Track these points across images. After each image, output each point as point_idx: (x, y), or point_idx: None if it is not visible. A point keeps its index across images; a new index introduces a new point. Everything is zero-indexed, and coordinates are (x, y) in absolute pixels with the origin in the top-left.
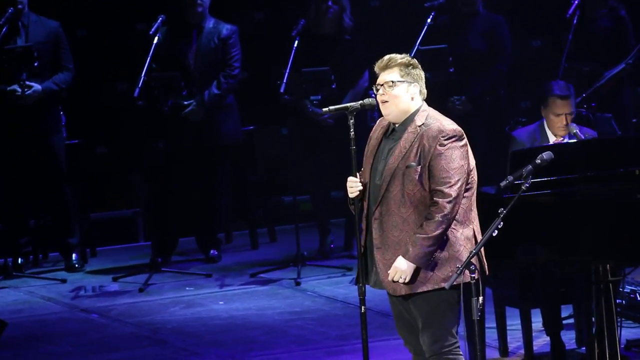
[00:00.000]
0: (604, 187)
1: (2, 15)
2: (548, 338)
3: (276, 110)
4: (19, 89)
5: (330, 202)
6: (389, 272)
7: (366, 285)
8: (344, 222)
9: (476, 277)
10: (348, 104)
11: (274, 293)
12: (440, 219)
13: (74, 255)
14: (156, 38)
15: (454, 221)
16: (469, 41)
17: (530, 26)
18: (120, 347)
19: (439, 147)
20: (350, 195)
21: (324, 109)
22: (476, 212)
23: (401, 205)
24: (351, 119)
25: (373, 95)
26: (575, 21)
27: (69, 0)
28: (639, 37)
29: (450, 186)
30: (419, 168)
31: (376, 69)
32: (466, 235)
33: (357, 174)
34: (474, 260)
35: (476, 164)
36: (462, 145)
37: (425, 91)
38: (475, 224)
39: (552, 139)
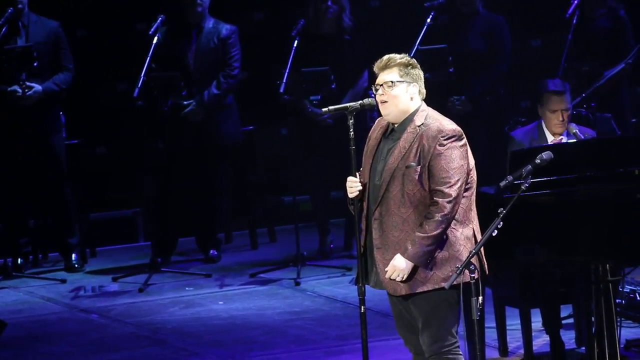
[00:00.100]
0: (603, 187)
1: (1, 15)
2: (548, 338)
3: (276, 110)
4: (20, 90)
5: (330, 202)
6: (391, 271)
7: (366, 285)
8: (344, 222)
9: (476, 277)
10: (347, 104)
11: (273, 293)
12: (440, 219)
13: (73, 256)
14: (156, 38)
15: (454, 221)
16: (469, 41)
17: (530, 26)
18: (120, 347)
19: (438, 147)
20: (350, 195)
21: (324, 109)
22: (475, 212)
23: (401, 205)
24: (351, 119)
25: (372, 95)
26: (574, 21)
27: (69, 0)
28: (638, 36)
29: (450, 186)
30: (418, 168)
31: (375, 69)
32: (466, 235)
33: (357, 174)
34: (473, 260)
35: (476, 163)
36: (462, 145)
37: (424, 91)
38: (475, 224)
39: (550, 138)
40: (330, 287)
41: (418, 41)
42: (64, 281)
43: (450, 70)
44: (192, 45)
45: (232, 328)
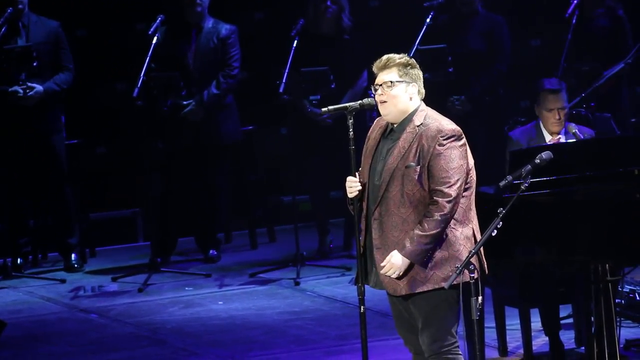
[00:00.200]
0: (603, 186)
1: (0, 16)
2: (547, 338)
3: (275, 110)
4: (21, 91)
5: (330, 202)
6: (388, 267)
7: (365, 285)
8: (343, 222)
9: (476, 277)
10: (347, 104)
11: (273, 293)
12: (439, 218)
13: (73, 256)
14: (155, 38)
15: (454, 220)
16: (468, 41)
17: (530, 26)
18: (120, 347)
19: (438, 147)
20: (350, 195)
21: (323, 109)
22: (475, 212)
23: (401, 205)
24: (350, 119)
25: (372, 95)
26: (574, 21)
27: (68, 0)
28: (636, 36)
29: (450, 186)
30: (418, 168)
31: (374, 69)
32: (466, 234)
33: (356, 174)
34: (473, 259)
35: (475, 163)
36: (461, 145)
37: (423, 91)
38: (475, 223)
39: (548, 137)
40: (330, 287)
41: (417, 41)
42: (63, 281)
43: (450, 70)
44: (191, 45)
45: (232, 328)
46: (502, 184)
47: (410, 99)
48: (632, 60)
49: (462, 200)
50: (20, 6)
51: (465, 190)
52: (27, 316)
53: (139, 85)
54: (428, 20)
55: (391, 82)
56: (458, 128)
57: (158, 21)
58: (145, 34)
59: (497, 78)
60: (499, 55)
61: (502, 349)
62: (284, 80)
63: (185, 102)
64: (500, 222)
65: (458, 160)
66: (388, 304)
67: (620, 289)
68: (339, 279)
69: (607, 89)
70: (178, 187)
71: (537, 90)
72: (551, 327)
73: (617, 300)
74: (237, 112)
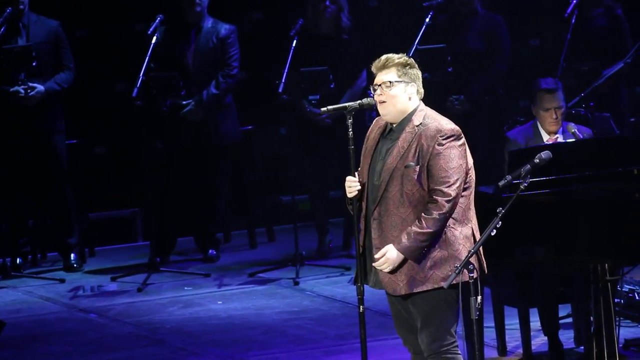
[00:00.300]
0: (602, 186)
1: (0, 15)
2: (546, 337)
3: (275, 110)
4: (22, 91)
5: (329, 202)
6: (378, 257)
7: (365, 285)
8: (343, 221)
9: (475, 277)
10: (346, 104)
11: (272, 293)
12: (437, 217)
13: (72, 255)
14: (154, 38)
15: (453, 220)
16: (468, 41)
17: (529, 25)
18: (119, 346)
19: (437, 147)
20: (349, 195)
21: (322, 109)
22: (474, 211)
23: (400, 205)
24: (349, 119)
25: (371, 95)
26: (573, 20)
27: (68, 1)
28: (635, 35)
29: (449, 185)
30: (417, 168)
31: (373, 69)
32: (465, 234)
33: (356, 174)
34: (472, 259)
35: (474, 163)
36: (460, 145)
37: (422, 91)
38: (474, 223)
39: (546, 137)
40: (329, 286)
41: (417, 41)
42: (62, 281)
43: (449, 70)
44: (191, 45)
45: (231, 328)
46: (501, 183)
47: (410, 98)
48: (631, 59)
49: (461, 200)
50: (21, 6)
51: (465, 189)
52: (26, 316)
53: (138, 85)
54: (427, 20)
55: (390, 82)
56: (457, 128)
57: (157, 21)
58: (145, 34)
59: (497, 78)
60: (499, 55)
61: (502, 348)
62: (283, 80)
63: (184, 102)
64: (500, 222)
65: (457, 160)
66: (387, 304)
67: (619, 289)
68: (338, 278)
69: (606, 89)
70: (177, 187)
71: (533, 90)
72: (550, 326)
73: (616, 300)
74: (236, 112)
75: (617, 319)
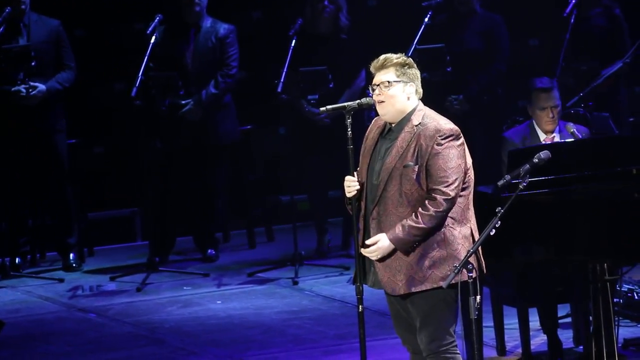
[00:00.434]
0: (601, 186)
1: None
2: (545, 337)
3: (274, 110)
4: (24, 90)
5: (328, 202)
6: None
7: (364, 285)
8: (342, 221)
9: (474, 276)
10: (345, 104)
11: (271, 292)
12: (434, 214)
13: (71, 255)
14: (153, 37)
15: (452, 220)
16: (466, 40)
17: (528, 25)
18: (118, 346)
19: (436, 147)
20: (348, 195)
21: (321, 109)
22: (473, 211)
23: (399, 205)
24: (348, 119)
25: (370, 94)
26: (572, 20)
27: (67, 0)
28: (634, 35)
29: (448, 185)
30: (416, 168)
31: (372, 68)
32: (464, 234)
33: (355, 174)
34: (471, 259)
35: (473, 163)
36: (459, 144)
37: (421, 90)
38: (473, 223)
39: (543, 137)
40: (328, 286)
41: (415, 40)
42: (61, 280)
43: (448, 69)
44: (190, 44)
45: (230, 327)
46: (500, 183)
47: (408, 98)
48: (630, 59)
49: (460, 200)
50: (22, 6)
51: (463, 189)
52: (25, 316)
53: (137, 85)
54: (426, 19)
55: (389, 82)
56: (456, 127)
57: (156, 21)
58: (144, 34)
59: (496, 78)
60: (498, 55)
61: (501, 348)
62: (282, 80)
63: (183, 102)
64: (499, 222)
65: (456, 160)
66: (386, 304)
67: (618, 288)
68: (337, 278)
69: (605, 89)
70: (176, 186)
71: (529, 89)
72: (549, 326)
73: (615, 300)
74: (235, 112)
75: (616, 318)
